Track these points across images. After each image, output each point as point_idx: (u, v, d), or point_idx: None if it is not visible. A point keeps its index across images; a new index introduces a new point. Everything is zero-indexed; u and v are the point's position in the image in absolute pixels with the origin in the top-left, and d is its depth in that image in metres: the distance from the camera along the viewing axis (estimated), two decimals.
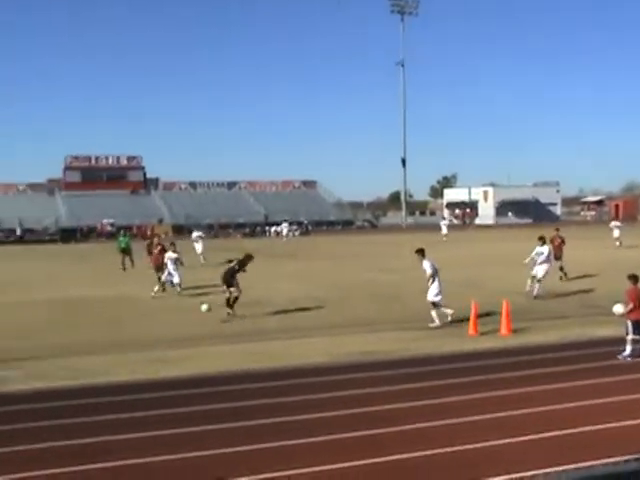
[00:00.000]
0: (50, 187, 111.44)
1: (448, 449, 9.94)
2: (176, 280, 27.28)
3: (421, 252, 20.32)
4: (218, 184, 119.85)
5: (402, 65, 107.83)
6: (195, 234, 45.20)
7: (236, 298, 21.70)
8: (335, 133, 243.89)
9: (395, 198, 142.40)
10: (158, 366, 15.54)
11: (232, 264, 22.02)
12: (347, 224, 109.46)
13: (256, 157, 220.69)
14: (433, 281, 19.98)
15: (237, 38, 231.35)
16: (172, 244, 28.76)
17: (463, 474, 9.11)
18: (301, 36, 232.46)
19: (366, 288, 27.92)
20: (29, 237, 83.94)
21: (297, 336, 18.65)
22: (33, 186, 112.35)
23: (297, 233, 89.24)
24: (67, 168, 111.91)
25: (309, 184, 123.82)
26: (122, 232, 43.42)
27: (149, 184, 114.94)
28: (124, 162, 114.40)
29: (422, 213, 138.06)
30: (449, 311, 19.94)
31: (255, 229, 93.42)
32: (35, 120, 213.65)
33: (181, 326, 20.75)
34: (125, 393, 13.49)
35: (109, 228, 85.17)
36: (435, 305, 19.94)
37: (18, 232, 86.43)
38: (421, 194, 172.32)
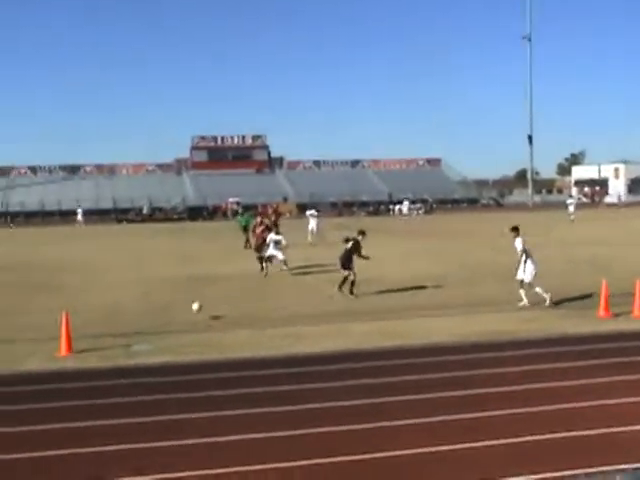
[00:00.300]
0: (178, 167, 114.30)
1: (604, 430, 9.24)
2: (280, 257, 26.76)
3: (515, 230, 19.46)
4: (342, 162, 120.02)
5: (529, 39, 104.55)
6: (308, 212, 45.24)
7: (352, 282, 21.08)
8: (461, 110, 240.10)
9: (521, 176, 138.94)
10: (293, 341, 15.24)
11: (348, 245, 21.40)
12: (472, 202, 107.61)
13: (380, 135, 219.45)
14: (526, 260, 19.01)
15: (369, 19, 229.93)
16: (276, 225, 28.44)
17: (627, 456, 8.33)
18: (429, 12, 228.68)
19: (488, 267, 26.92)
20: (158, 215, 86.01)
21: (420, 315, 18.00)
22: (162, 166, 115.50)
23: (421, 211, 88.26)
24: (194, 148, 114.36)
25: (433, 162, 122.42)
26: (241, 211, 43.46)
27: (274, 163, 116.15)
28: (249, 141, 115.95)
29: (549, 191, 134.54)
30: (547, 295, 18.95)
31: (379, 207, 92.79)
32: (164, 101, 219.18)
33: (307, 304, 20.39)
34: (261, 368, 13.24)
35: (235, 207, 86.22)
36: (524, 284, 19.06)
37: (145, 210, 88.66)
38: (548, 172, 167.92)
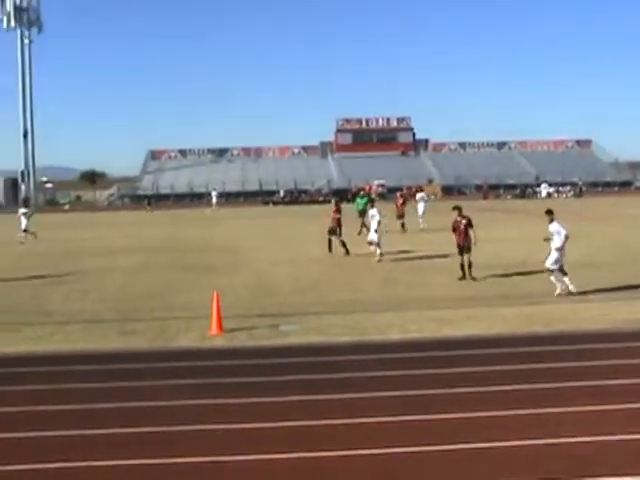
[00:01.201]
0: (323, 149, 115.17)
1: None
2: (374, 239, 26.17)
3: (550, 213, 18.70)
4: (488, 144, 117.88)
5: None
6: (419, 195, 43.51)
7: (470, 264, 20.48)
8: (610, 89, 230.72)
9: None
10: (439, 325, 15.11)
11: (462, 222, 20.85)
12: (625, 185, 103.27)
13: (526, 116, 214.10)
14: (560, 247, 18.22)
15: None
16: (372, 204, 27.81)
17: None
18: None
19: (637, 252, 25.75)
20: (304, 198, 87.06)
21: (570, 300, 17.40)
22: (307, 148, 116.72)
23: (570, 194, 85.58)
24: (339, 130, 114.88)
25: (583, 143, 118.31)
26: (361, 193, 42.16)
27: (418, 145, 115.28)
28: (394, 124, 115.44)
29: None
30: (572, 287, 18.17)
31: (525, 190, 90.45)
32: (308, 85, 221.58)
33: (438, 287, 20.11)
34: (409, 350, 13.19)
35: (380, 189, 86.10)
36: (552, 272, 18.31)
37: (281, 193, 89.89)
38: None
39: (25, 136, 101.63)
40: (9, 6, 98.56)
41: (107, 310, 17.91)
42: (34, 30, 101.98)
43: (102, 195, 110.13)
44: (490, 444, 8.44)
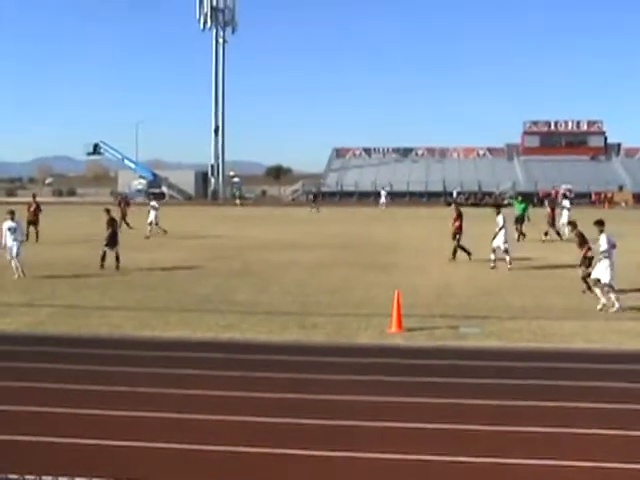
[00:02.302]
0: (509, 152, 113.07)
1: None
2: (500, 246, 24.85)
3: (600, 224, 17.52)
4: None
5: None
6: (565, 202, 40.65)
7: (587, 275, 19.09)
8: None
9: None
10: (624, 336, 14.44)
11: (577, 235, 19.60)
12: None
13: None
14: (607, 258, 16.95)
15: None
16: (498, 211, 25.82)
17: None
18: None
19: None
20: (488, 201, 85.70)
21: None
22: (492, 150, 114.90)
23: None
24: (526, 133, 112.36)
25: None
26: (519, 198, 38.87)
27: (610, 150, 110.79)
28: (584, 127, 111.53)
29: None
30: (604, 300, 17.08)
31: None
32: (495, 86, 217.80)
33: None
34: (590, 361, 12.71)
35: (567, 194, 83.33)
36: (599, 285, 17.18)
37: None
38: None
39: (216, 132, 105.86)
40: (206, 7, 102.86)
41: (288, 303, 18.30)
42: (228, 30, 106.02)
43: (286, 190, 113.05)
44: None
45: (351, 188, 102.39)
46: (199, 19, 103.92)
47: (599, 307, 17.32)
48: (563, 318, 16.39)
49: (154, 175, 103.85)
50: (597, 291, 17.56)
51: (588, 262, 18.85)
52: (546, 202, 40.08)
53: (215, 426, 9.30)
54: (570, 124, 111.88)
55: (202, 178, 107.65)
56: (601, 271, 17.30)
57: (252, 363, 12.47)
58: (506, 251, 24.85)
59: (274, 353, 13.26)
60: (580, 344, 13.93)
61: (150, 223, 37.68)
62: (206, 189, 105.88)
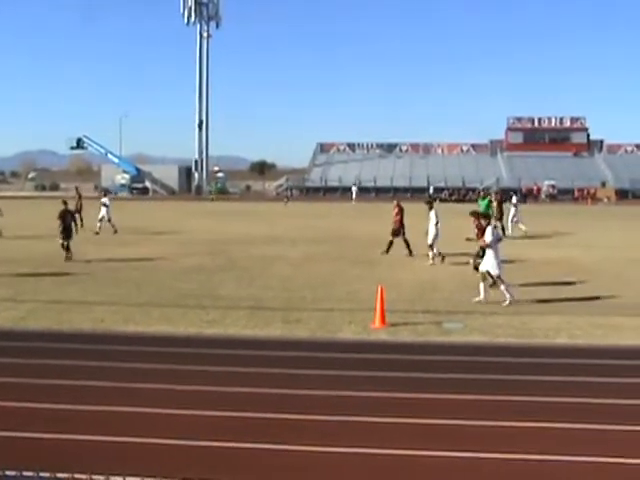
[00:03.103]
0: (493, 148, 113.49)
1: None
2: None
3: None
4: None
5: None
6: (513, 198, 38.80)
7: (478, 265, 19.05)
8: None
9: None
10: (606, 331, 14.50)
11: None
12: None
13: None
14: (492, 249, 17.40)
15: None
16: (431, 206, 25.72)
17: None
18: None
19: None
20: (472, 196, 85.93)
21: None
22: (476, 146, 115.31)
23: None
24: (509, 129, 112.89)
25: None
26: (481, 194, 38.53)
27: (592, 146, 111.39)
28: (567, 123, 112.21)
29: None
30: (483, 295, 17.42)
31: None
32: (479, 85, 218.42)
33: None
34: (571, 356, 12.75)
35: (550, 190, 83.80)
36: (487, 277, 17.41)
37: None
38: None
39: (200, 127, 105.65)
40: (190, 1, 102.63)
41: (272, 298, 18.28)
42: (212, 25, 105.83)
43: (271, 186, 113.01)
44: None
45: (335, 183, 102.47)
46: (183, 13, 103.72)
47: (476, 300, 17.48)
48: (547, 313, 16.44)
49: (137, 170, 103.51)
50: (481, 285, 17.64)
51: (483, 252, 18.81)
52: (492, 195, 37.44)
53: (199, 421, 9.28)
54: (553, 120, 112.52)
55: (186, 173, 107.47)
56: (489, 263, 17.51)
57: (236, 358, 12.45)
58: (431, 247, 25.21)
59: (258, 348, 13.22)
60: (564, 339, 13.97)
61: (101, 219, 36.72)
62: (190, 184, 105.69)
